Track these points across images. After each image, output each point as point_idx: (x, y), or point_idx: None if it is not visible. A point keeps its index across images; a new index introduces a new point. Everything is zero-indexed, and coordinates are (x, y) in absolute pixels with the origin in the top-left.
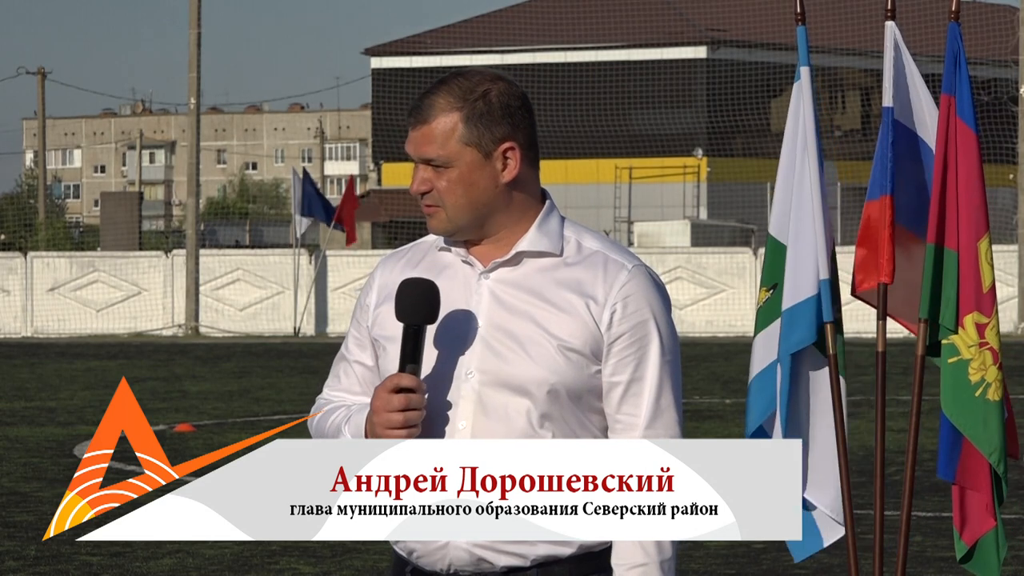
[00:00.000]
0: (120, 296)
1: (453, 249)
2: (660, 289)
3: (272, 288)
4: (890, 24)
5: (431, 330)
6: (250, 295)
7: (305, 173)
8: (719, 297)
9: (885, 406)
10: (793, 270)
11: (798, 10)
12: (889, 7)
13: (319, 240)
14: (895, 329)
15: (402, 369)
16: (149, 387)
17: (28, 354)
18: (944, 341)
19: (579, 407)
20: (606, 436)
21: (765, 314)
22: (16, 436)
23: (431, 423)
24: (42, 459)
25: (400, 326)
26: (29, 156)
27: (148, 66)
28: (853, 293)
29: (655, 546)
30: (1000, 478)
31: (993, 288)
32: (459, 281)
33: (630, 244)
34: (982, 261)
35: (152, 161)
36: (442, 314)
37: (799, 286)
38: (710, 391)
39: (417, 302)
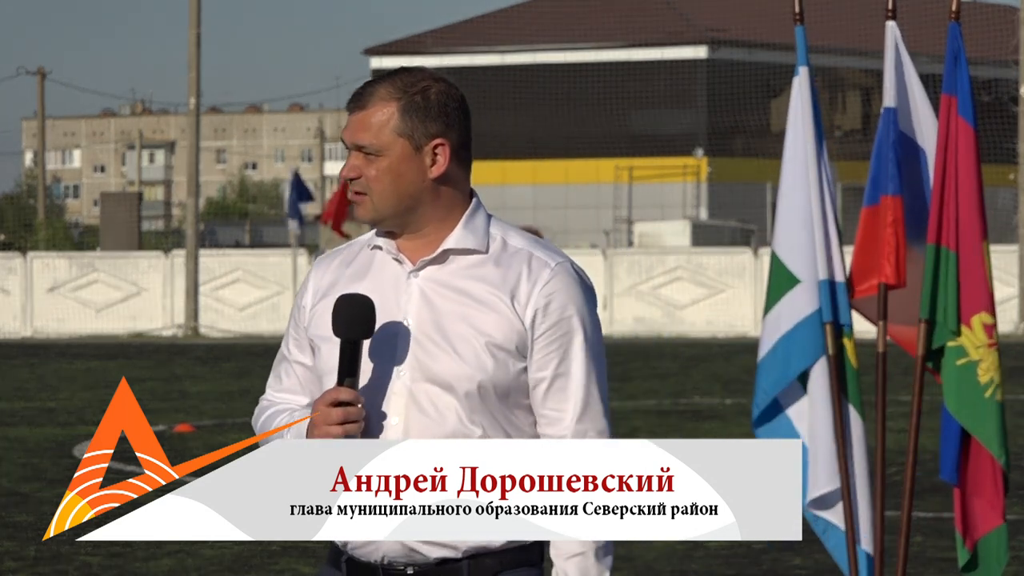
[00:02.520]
0: (120, 296)
1: (384, 247)
2: (584, 286)
3: (272, 288)
4: (890, 24)
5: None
6: (250, 295)
7: (295, 176)
8: (719, 297)
9: (885, 406)
10: (807, 275)
11: (797, 10)
12: (889, 7)
13: (319, 240)
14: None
15: (340, 383)
16: (149, 387)
17: (28, 354)
18: (950, 343)
19: (506, 404)
20: (534, 432)
21: (773, 291)
22: (16, 436)
23: (366, 420)
24: (42, 459)
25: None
26: (28, 156)
27: (148, 66)
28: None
29: None
30: (1007, 475)
31: (993, 289)
32: (389, 280)
33: (630, 244)
34: (986, 262)
35: (152, 161)
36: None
37: (806, 296)
38: (710, 391)
39: (354, 318)
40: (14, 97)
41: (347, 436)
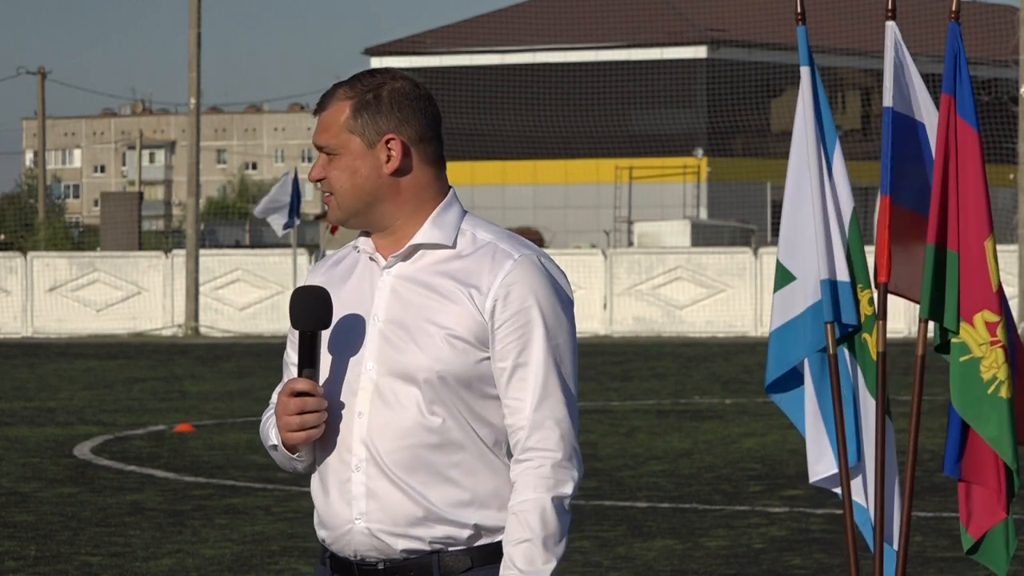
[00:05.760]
0: (120, 296)
1: (362, 247)
2: (548, 277)
3: (272, 288)
4: (890, 24)
5: (337, 327)
6: (250, 295)
7: (295, 177)
8: (719, 297)
9: (885, 406)
10: (803, 272)
11: (798, 10)
12: (889, 7)
13: (319, 240)
14: (895, 329)
15: (299, 374)
16: (149, 387)
17: (28, 354)
18: (953, 340)
19: (469, 392)
20: (500, 421)
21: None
22: (16, 436)
23: (336, 412)
24: (42, 459)
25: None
26: (29, 156)
27: (148, 66)
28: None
29: (539, 522)
30: (1012, 472)
31: (1001, 288)
32: (366, 278)
33: (630, 244)
34: (989, 260)
35: (152, 161)
36: (349, 310)
37: (807, 289)
38: (710, 391)
39: (309, 310)
40: (14, 97)
41: (303, 426)
